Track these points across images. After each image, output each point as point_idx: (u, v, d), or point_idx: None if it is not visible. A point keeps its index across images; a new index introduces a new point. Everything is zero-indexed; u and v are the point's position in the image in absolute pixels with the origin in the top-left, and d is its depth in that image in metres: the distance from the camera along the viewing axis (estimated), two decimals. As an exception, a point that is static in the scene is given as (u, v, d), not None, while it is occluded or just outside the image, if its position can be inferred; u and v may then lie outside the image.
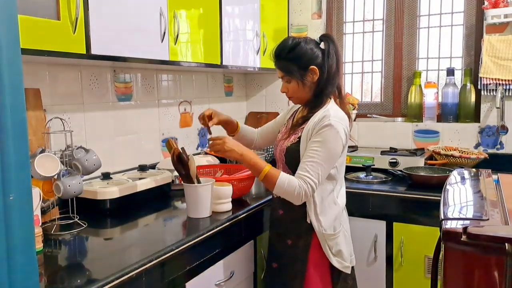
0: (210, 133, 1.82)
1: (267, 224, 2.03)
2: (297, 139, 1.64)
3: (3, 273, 0.89)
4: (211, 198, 1.75)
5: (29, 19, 1.36)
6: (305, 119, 1.65)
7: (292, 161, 1.65)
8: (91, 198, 1.79)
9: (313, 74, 1.62)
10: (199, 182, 1.75)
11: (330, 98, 1.67)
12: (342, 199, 1.72)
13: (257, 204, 1.94)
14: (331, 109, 1.60)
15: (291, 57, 1.62)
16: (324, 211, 1.63)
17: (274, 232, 1.78)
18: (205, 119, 1.83)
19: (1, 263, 0.88)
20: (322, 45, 1.65)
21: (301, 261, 1.65)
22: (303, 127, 1.64)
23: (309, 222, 1.63)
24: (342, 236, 1.68)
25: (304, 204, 1.62)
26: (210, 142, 1.66)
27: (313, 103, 1.66)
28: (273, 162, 1.96)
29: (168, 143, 1.80)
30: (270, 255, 1.80)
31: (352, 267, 1.74)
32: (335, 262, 1.64)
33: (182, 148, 1.75)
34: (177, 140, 1.81)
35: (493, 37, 2.47)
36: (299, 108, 1.80)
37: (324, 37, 1.66)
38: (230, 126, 1.93)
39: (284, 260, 1.70)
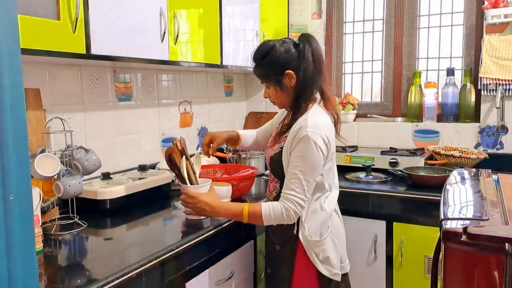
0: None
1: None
2: (280, 149, 1.60)
3: (3, 273, 0.89)
4: None
5: (29, 19, 1.36)
6: (288, 127, 1.60)
7: (276, 170, 1.63)
8: (91, 198, 1.79)
9: (290, 78, 1.55)
10: (197, 183, 1.75)
11: (314, 101, 1.61)
12: (331, 204, 1.62)
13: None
14: (309, 117, 1.53)
15: (266, 62, 1.56)
16: (308, 217, 1.56)
17: (267, 236, 1.76)
18: (205, 148, 1.83)
19: (1, 263, 0.88)
20: (300, 46, 1.56)
21: (288, 267, 1.60)
22: (286, 136, 1.59)
23: (288, 228, 1.58)
24: (330, 242, 1.58)
25: None
26: (181, 200, 1.65)
27: (294, 109, 1.60)
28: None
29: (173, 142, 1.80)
30: (265, 260, 1.79)
31: (346, 274, 1.67)
32: (322, 269, 1.56)
33: (183, 149, 1.74)
34: (186, 139, 1.80)
35: (493, 37, 2.47)
36: (284, 118, 1.74)
37: (301, 37, 1.57)
38: (232, 141, 1.91)
39: (275, 265, 1.68)
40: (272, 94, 1.62)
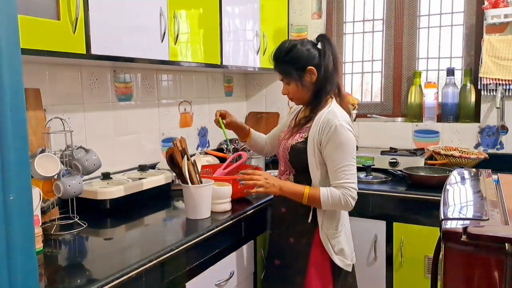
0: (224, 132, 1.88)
1: (267, 224, 2.04)
2: (303, 139, 1.66)
3: (3, 273, 0.89)
4: (209, 200, 1.74)
5: (29, 19, 1.36)
6: (308, 119, 1.69)
7: (296, 159, 1.68)
8: (91, 198, 1.79)
9: (311, 75, 1.65)
10: (199, 182, 1.75)
11: (332, 98, 1.70)
12: None
13: (257, 204, 1.94)
14: (334, 109, 1.64)
15: (288, 59, 1.66)
16: (327, 211, 1.64)
17: (276, 229, 1.80)
18: (217, 115, 1.90)
19: (1, 263, 0.88)
20: (319, 45, 1.68)
21: (303, 259, 1.67)
22: (308, 126, 1.67)
23: (309, 221, 1.65)
24: (344, 235, 1.70)
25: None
26: (245, 175, 1.66)
27: (314, 103, 1.69)
28: (273, 162, 1.96)
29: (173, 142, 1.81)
30: (272, 252, 1.82)
31: (353, 265, 1.76)
32: (337, 260, 1.66)
33: (183, 149, 1.74)
34: (186, 139, 1.81)
35: (493, 37, 2.47)
36: (300, 109, 1.82)
37: (320, 37, 1.69)
38: (243, 132, 1.96)
39: (287, 258, 1.72)
40: (292, 90, 1.70)
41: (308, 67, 1.64)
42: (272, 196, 1.84)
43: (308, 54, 1.65)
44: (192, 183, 1.71)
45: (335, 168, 1.59)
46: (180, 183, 1.74)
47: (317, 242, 1.66)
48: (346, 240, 1.71)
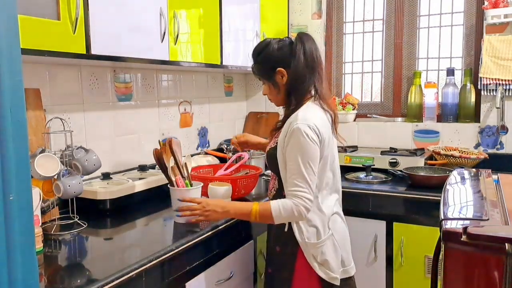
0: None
1: (267, 224, 2.04)
2: (275, 144, 1.62)
3: (3, 273, 0.89)
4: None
5: (29, 19, 1.36)
6: (282, 122, 1.62)
7: (272, 165, 1.63)
8: (91, 198, 1.79)
9: (282, 76, 1.59)
10: (187, 185, 1.74)
11: (310, 98, 1.61)
12: (329, 206, 1.60)
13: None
14: (300, 111, 1.55)
15: (260, 60, 1.63)
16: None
17: (268, 237, 1.74)
18: (236, 144, 1.95)
19: (1, 263, 0.88)
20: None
21: (288, 269, 1.59)
22: (280, 131, 1.61)
23: (286, 230, 1.57)
24: (330, 245, 1.56)
25: None
26: (183, 205, 1.61)
27: (287, 105, 1.62)
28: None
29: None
30: (267, 260, 1.77)
31: (351, 277, 1.64)
32: (320, 272, 1.54)
33: (171, 150, 1.72)
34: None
35: (493, 37, 2.47)
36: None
37: (296, 36, 1.61)
38: (264, 147, 1.92)
39: (275, 266, 1.66)
40: (267, 91, 1.68)
41: (277, 68, 1.58)
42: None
43: (278, 54, 1.58)
44: (178, 185, 1.69)
45: (289, 174, 1.50)
46: (168, 185, 1.73)
47: (301, 252, 1.56)
48: (334, 251, 1.56)
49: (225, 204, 1.61)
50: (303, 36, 1.60)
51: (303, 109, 1.57)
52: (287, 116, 1.60)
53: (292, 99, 1.59)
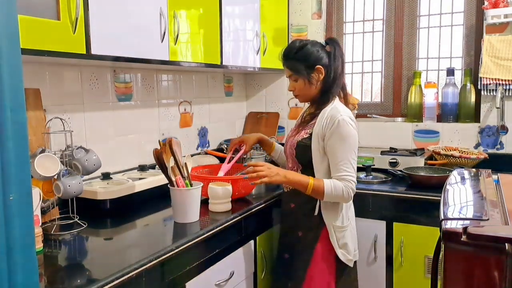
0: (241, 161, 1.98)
1: (267, 224, 2.04)
2: (308, 135, 1.74)
3: (3, 273, 0.89)
4: (197, 204, 1.72)
5: (29, 19, 1.36)
6: (313, 116, 1.77)
7: (302, 155, 1.75)
8: (91, 198, 1.79)
9: (319, 73, 1.74)
10: (187, 185, 1.74)
11: (335, 97, 1.77)
12: (352, 195, 1.74)
13: (257, 204, 1.94)
14: (338, 106, 1.72)
15: (299, 56, 1.74)
16: (334, 203, 1.71)
17: (286, 224, 1.87)
18: (233, 149, 2.00)
19: (1, 263, 0.88)
20: (327, 48, 1.77)
21: (309, 252, 1.74)
22: (313, 123, 1.74)
23: (316, 215, 1.72)
24: (349, 231, 1.76)
25: (314, 198, 1.70)
26: (249, 168, 1.69)
27: (320, 101, 1.77)
28: (273, 162, 1.96)
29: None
30: (282, 247, 1.88)
31: (355, 262, 1.82)
32: (340, 254, 1.73)
33: (171, 149, 1.72)
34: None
35: (493, 37, 2.47)
36: (305, 110, 1.89)
37: (331, 41, 1.79)
38: (267, 146, 2.03)
39: (295, 251, 1.78)
40: (299, 87, 1.78)
41: (317, 66, 1.73)
42: (281, 190, 1.93)
43: (318, 54, 1.74)
44: (178, 185, 1.69)
45: (337, 161, 1.65)
46: (168, 185, 1.73)
47: (324, 236, 1.73)
48: (351, 236, 1.77)
49: (285, 171, 1.72)
50: (337, 41, 1.80)
51: (337, 104, 1.74)
52: (319, 110, 1.74)
53: (329, 95, 1.75)
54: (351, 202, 1.79)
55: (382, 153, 2.60)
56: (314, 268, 1.73)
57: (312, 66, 1.73)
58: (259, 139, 2.02)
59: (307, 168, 1.74)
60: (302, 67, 1.74)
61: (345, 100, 1.80)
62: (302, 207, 1.77)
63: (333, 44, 1.77)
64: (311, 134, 1.73)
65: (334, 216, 1.73)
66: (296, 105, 3.01)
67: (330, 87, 1.75)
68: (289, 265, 1.81)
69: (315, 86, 1.76)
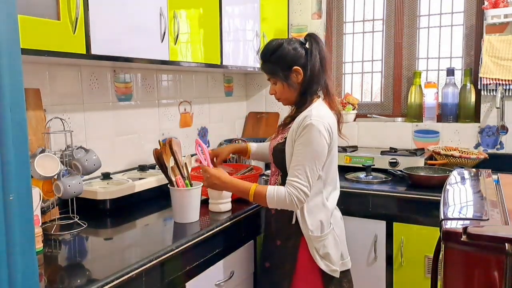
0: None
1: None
2: (283, 139, 1.65)
3: (3, 273, 0.89)
4: (197, 204, 1.72)
5: (29, 19, 1.36)
6: (292, 119, 1.66)
7: (279, 160, 1.66)
8: (91, 198, 1.79)
9: (297, 75, 1.63)
10: (187, 185, 1.74)
11: (318, 97, 1.67)
12: (333, 202, 1.68)
13: (257, 204, 1.94)
14: (314, 109, 1.60)
15: (274, 59, 1.63)
16: (310, 212, 1.60)
17: (266, 231, 1.78)
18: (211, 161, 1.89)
19: (1, 263, 0.88)
20: (307, 45, 1.65)
21: (290, 262, 1.64)
22: (289, 127, 1.65)
23: (294, 223, 1.62)
24: (331, 239, 1.64)
25: None
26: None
27: (299, 103, 1.66)
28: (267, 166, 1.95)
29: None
30: (262, 254, 1.80)
31: (348, 270, 1.72)
32: (322, 264, 1.61)
33: (171, 150, 1.72)
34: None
35: (493, 37, 2.47)
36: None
37: (308, 37, 1.67)
38: (243, 153, 1.98)
39: (275, 260, 1.70)
40: (279, 90, 1.68)
41: (294, 67, 1.61)
42: None
43: (294, 54, 1.62)
44: (177, 185, 1.69)
45: (293, 165, 1.55)
46: (168, 185, 1.73)
47: (303, 245, 1.62)
48: (334, 244, 1.64)
49: (227, 179, 1.65)
50: (315, 37, 1.66)
51: (315, 107, 1.62)
52: (298, 112, 1.64)
53: (307, 96, 1.64)
54: (334, 207, 1.68)
55: (382, 153, 2.60)
56: (299, 279, 1.63)
57: (289, 67, 1.61)
58: (231, 152, 1.96)
59: (286, 173, 1.62)
60: (278, 69, 1.62)
61: (330, 100, 1.67)
62: (281, 214, 1.65)
63: (310, 40, 1.64)
64: (285, 139, 1.63)
65: (311, 225, 1.60)
66: (296, 105, 3.01)
67: (308, 87, 1.63)
68: (272, 275, 1.71)
69: (295, 88, 1.64)
